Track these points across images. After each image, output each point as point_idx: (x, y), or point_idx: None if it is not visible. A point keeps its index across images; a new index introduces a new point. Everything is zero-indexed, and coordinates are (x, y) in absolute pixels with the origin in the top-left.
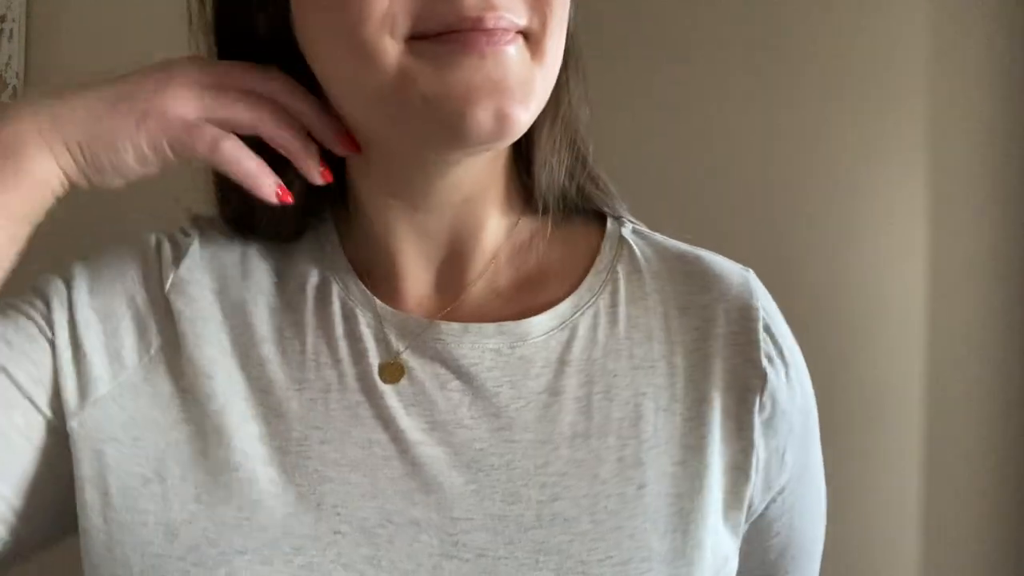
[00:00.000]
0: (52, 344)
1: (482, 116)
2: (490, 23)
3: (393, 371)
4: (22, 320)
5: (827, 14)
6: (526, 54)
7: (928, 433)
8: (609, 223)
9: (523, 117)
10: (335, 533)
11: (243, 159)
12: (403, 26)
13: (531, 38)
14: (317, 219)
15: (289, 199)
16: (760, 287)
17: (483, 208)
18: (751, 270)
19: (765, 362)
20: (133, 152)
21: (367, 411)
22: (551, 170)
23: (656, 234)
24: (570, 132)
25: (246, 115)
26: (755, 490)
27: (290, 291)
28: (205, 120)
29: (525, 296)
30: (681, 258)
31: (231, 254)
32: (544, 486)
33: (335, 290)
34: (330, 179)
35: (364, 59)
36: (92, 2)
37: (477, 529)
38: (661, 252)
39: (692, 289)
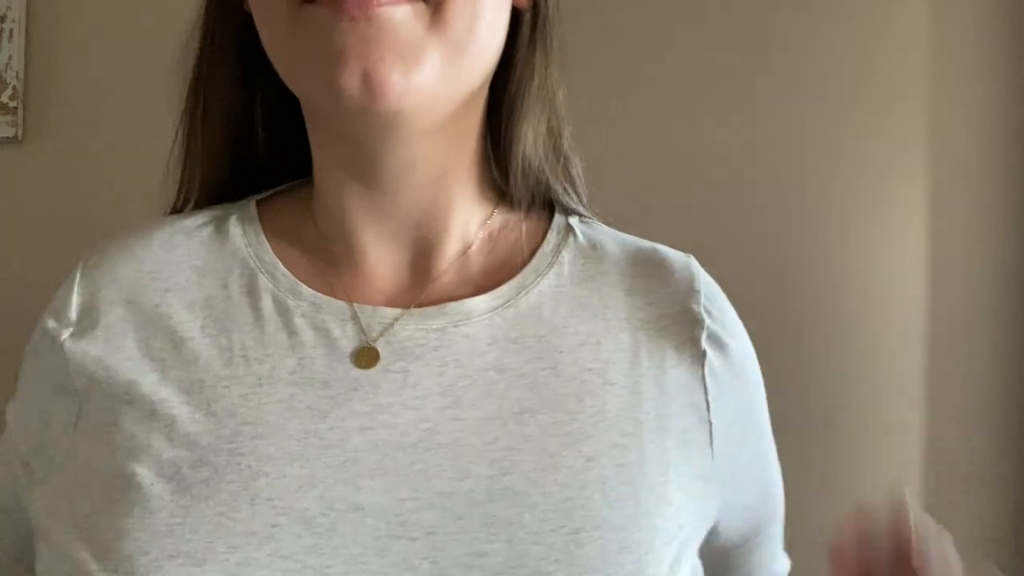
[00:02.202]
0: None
1: (347, 78)
2: None
3: (368, 356)
4: None
5: (827, 14)
6: (422, 20)
7: (928, 434)
8: (557, 214)
9: (401, 81)
10: (272, 527)
11: None
12: None
13: (430, 2)
14: (234, 206)
15: None
16: (701, 271)
17: (449, 195)
18: (692, 256)
19: (705, 340)
20: None
21: (302, 402)
22: (527, 165)
23: (602, 226)
24: (545, 120)
25: None
26: (705, 458)
27: (209, 286)
28: None
29: (485, 279)
30: (625, 246)
31: (129, 261)
32: (493, 461)
33: (261, 282)
34: None
35: (266, 21)
36: (92, 2)
37: (424, 508)
38: (606, 240)
39: (636, 272)
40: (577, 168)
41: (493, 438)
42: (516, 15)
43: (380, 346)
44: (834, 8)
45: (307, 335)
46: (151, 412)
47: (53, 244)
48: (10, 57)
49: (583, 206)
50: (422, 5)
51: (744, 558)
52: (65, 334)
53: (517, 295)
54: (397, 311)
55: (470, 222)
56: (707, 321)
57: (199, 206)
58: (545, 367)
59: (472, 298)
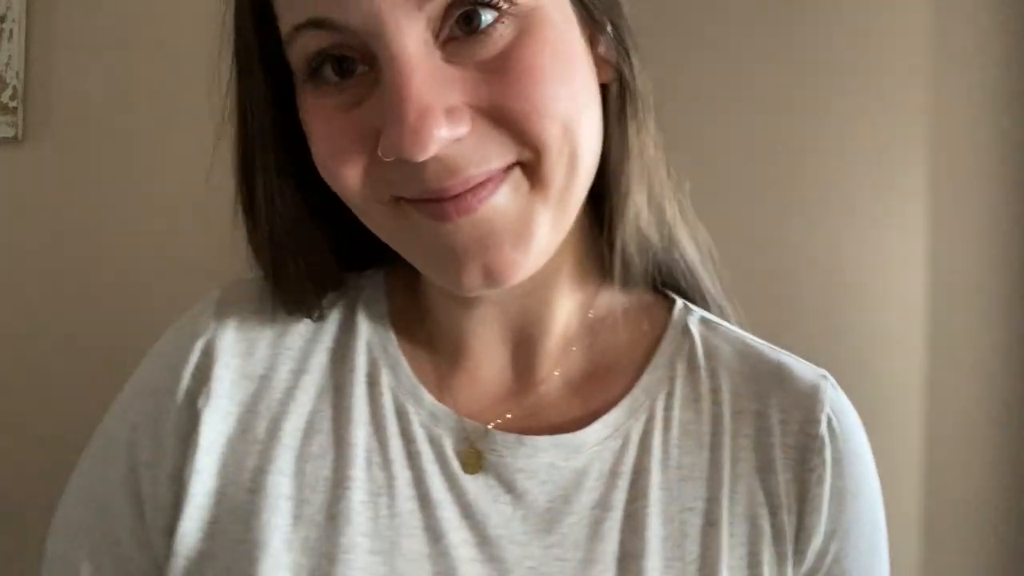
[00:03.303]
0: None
1: (470, 275)
2: (456, 190)
3: (472, 460)
4: None
5: (827, 16)
6: (523, 186)
7: (928, 434)
8: (676, 309)
9: (520, 261)
10: None
11: None
12: (383, 193)
13: (527, 167)
14: (365, 277)
15: None
16: (832, 397)
17: (554, 290)
18: (828, 376)
19: (815, 482)
20: None
21: (418, 521)
22: (632, 243)
23: (727, 327)
24: (646, 193)
25: None
26: None
27: (342, 371)
28: None
29: (593, 388)
30: (745, 357)
31: (268, 334)
32: None
33: (384, 379)
34: None
35: (359, 213)
36: (92, 2)
37: None
38: (725, 349)
39: (749, 393)
40: (693, 248)
41: None
42: (602, 89)
43: (492, 474)
44: (835, 8)
45: (424, 447)
46: (274, 506)
47: (53, 244)
48: (10, 57)
49: (707, 293)
50: (517, 171)
51: None
52: (201, 401)
53: (627, 420)
54: (511, 437)
55: (573, 311)
56: (826, 463)
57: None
58: (649, 506)
59: (583, 430)
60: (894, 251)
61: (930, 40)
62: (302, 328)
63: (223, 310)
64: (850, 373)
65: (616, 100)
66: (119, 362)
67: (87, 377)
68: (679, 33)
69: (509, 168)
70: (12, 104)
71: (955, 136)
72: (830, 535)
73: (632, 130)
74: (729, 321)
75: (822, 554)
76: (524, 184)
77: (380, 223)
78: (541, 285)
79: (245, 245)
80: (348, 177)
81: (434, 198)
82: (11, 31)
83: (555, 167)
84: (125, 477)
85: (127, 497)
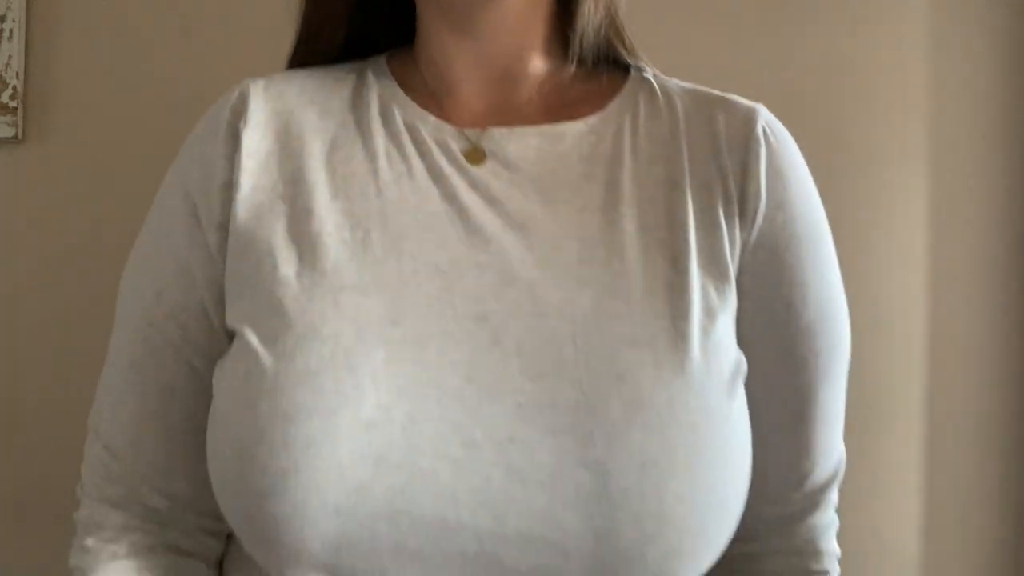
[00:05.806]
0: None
1: None
2: None
3: (476, 155)
4: None
5: (827, 14)
6: None
7: (928, 434)
8: (633, 71)
9: None
10: (413, 273)
11: None
12: None
13: None
14: (369, 60)
15: None
16: (766, 115)
17: (527, 43)
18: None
19: (753, 159)
20: None
21: (434, 191)
22: (587, 18)
23: (677, 80)
24: None
25: None
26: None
27: (360, 107)
28: None
29: (562, 112)
30: (695, 93)
31: (294, 87)
32: (582, 239)
33: (396, 112)
34: None
35: None
36: (92, 2)
37: (530, 268)
38: (677, 89)
39: (699, 114)
40: (628, 36)
41: (581, 223)
42: None
43: (493, 161)
44: (834, 8)
45: (433, 147)
46: (313, 189)
47: (53, 244)
48: (10, 57)
49: (648, 67)
50: None
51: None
52: (241, 123)
53: (600, 125)
54: (503, 130)
55: (542, 68)
56: (761, 146)
57: (315, 63)
58: (623, 173)
59: (564, 123)
60: (894, 253)
61: (930, 39)
62: (323, 86)
63: (253, 84)
64: (850, 373)
65: None
66: None
67: (86, 377)
68: (682, 32)
69: None
70: (12, 104)
71: (955, 136)
72: (776, 205)
73: None
74: None
75: (770, 219)
76: None
77: None
78: (517, 41)
79: None
80: None
81: None
82: (11, 31)
83: None
84: (181, 205)
85: (187, 220)
